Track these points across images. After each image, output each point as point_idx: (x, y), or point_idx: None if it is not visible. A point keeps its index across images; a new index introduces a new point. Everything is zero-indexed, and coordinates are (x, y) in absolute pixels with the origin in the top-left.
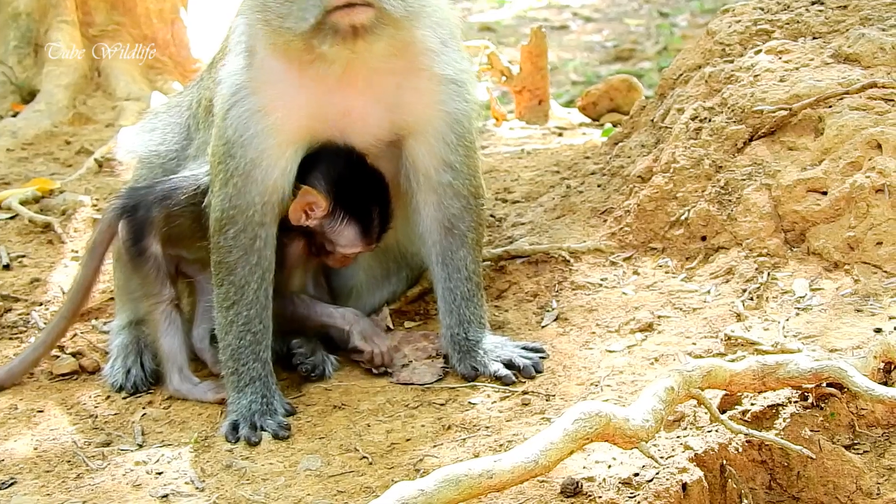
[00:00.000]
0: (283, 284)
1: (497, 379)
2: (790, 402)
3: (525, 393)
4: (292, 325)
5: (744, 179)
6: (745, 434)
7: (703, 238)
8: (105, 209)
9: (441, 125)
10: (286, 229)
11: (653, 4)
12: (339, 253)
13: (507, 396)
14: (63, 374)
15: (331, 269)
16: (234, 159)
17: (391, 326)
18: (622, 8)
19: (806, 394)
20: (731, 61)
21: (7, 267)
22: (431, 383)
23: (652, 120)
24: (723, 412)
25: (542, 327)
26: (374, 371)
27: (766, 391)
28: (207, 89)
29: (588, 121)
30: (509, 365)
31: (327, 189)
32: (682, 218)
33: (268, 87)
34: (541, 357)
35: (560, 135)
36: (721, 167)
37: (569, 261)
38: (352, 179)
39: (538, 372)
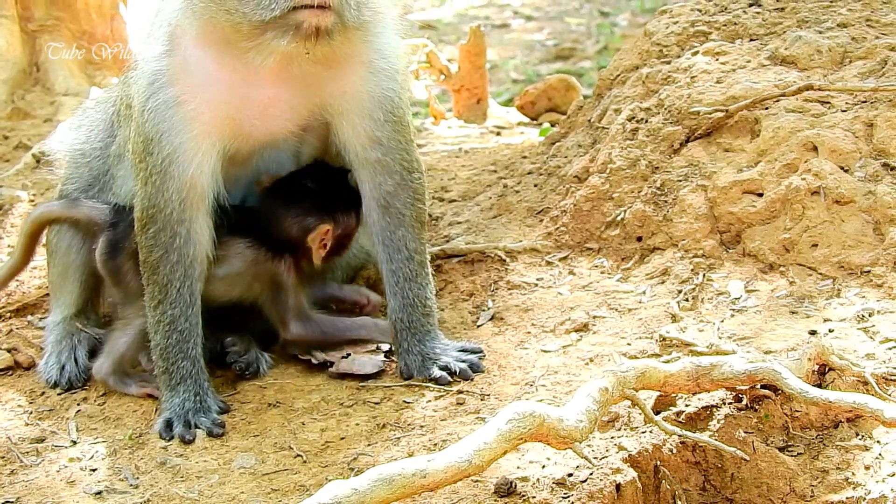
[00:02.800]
0: (297, 310)
1: (432, 379)
2: (724, 404)
3: (460, 392)
4: (324, 347)
5: (680, 180)
6: (679, 435)
7: (639, 239)
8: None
9: (367, 103)
10: (277, 255)
11: (593, 4)
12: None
13: (442, 396)
14: None
15: None
16: (151, 156)
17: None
18: (563, 7)
19: (740, 395)
20: (669, 62)
21: None
22: (371, 375)
23: (589, 120)
24: (657, 413)
25: (478, 327)
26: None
27: (700, 392)
28: (128, 84)
29: (526, 120)
30: (446, 370)
31: (331, 216)
32: (619, 218)
33: (186, 76)
34: (479, 357)
35: (498, 134)
36: (657, 168)
37: (505, 260)
38: (339, 193)
39: (477, 372)
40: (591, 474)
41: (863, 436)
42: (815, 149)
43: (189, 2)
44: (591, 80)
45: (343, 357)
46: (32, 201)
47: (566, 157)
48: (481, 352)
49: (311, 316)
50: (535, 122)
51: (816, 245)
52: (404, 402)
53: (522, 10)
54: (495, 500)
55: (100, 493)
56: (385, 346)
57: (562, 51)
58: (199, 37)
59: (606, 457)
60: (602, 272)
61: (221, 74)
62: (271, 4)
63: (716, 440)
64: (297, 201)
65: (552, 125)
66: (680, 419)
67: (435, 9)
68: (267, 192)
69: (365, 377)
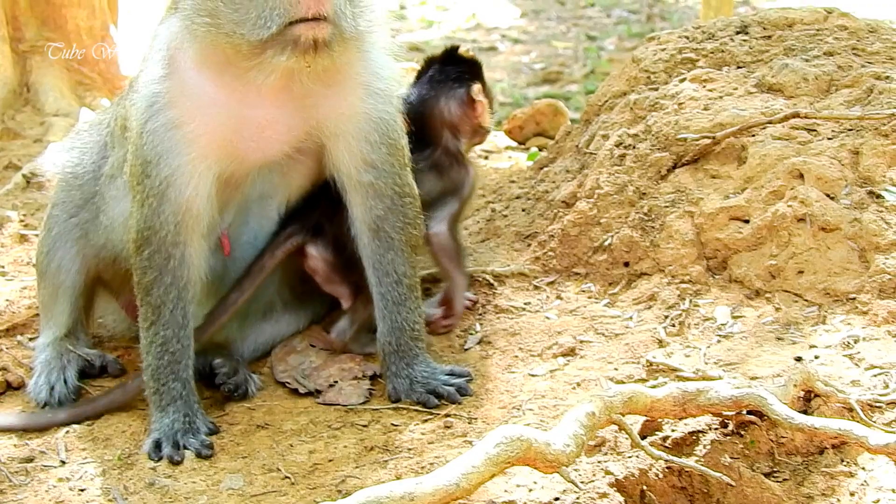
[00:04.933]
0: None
1: (420, 403)
2: (710, 429)
3: (447, 416)
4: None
5: (667, 206)
6: (666, 460)
7: (626, 264)
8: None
9: (363, 126)
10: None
11: (580, 28)
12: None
13: (430, 419)
14: None
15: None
16: (149, 178)
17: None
18: (550, 31)
19: (726, 421)
20: (656, 89)
21: None
22: (357, 405)
23: (577, 145)
24: (643, 438)
25: (466, 350)
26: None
27: (686, 418)
28: (124, 107)
29: (514, 144)
30: (434, 393)
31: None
32: (606, 244)
33: (185, 98)
34: (466, 381)
35: (486, 158)
36: (645, 194)
37: (493, 284)
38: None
39: (464, 395)
40: (577, 498)
41: (848, 462)
42: (802, 176)
43: (187, 25)
44: (579, 103)
45: (330, 386)
46: (23, 221)
47: (554, 181)
48: (469, 375)
49: (455, 233)
50: (522, 146)
51: (802, 272)
52: (392, 425)
53: (510, 34)
54: None
55: None
56: (370, 372)
57: (549, 74)
58: (198, 59)
59: (593, 481)
60: (589, 297)
61: (220, 96)
62: (267, 22)
63: (702, 465)
64: (442, 80)
65: (540, 150)
66: (666, 444)
67: (423, 30)
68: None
69: None
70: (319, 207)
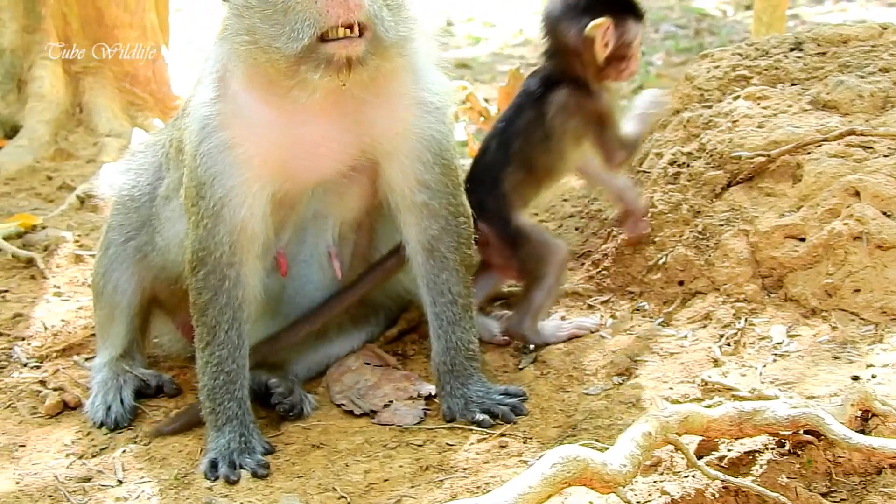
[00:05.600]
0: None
1: (475, 422)
2: (767, 449)
3: (502, 435)
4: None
5: (722, 225)
6: (722, 480)
7: (681, 283)
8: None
9: (416, 145)
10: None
11: None
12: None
13: (485, 438)
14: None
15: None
16: (204, 200)
17: None
18: None
19: (783, 441)
20: (710, 107)
21: None
22: (412, 425)
23: (630, 164)
24: (699, 458)
25: (520, 370)
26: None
27: (743, 437)
28: (178, 129)
29: None
30: (489, 413)
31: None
32: (660, 262)
33: (237, 119)
34: (521, 400)
35: None
36: (699, 212)
37: None
38: None
39: (519, 415)
40: None
41: None
42: (858, 194)
43: (232, 46)
44: None
45: (385, 406)
46: (77, 241)
47: (607, 201)
48: (524, 395)
49: (625, 139)
50: None
51: (859, 290)
52: (447, 444)
53: None
54: None
55: None
56: (424, 392)
57: None
58: (246, 80)
59: (649, 501)
60: (644, 316)
61: (270, 116)
62: (300, 34)
63: (759, 485)
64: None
65: None
66: (722, 464)
67: (470, 47)
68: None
69: None
70: (480, 187)
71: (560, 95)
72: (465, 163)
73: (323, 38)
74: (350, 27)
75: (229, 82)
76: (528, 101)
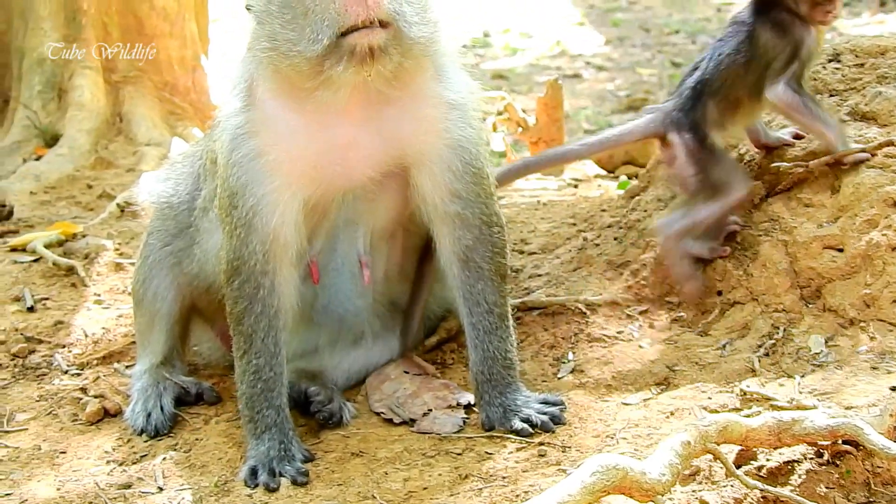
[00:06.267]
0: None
1: (513, 431)
2: (805, 459)
3: (541, 444)
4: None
5: (760, 235)
6: (761, 490)
7: (720, 293)
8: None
9: (445, 153)
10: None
11: (665, 55)
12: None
13: (524, 447)
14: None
15: (329, 312)
16: (236, 209)
17: None
18: (635, 58)
19: (821, 450)
20: None
21: (31, 309)
22: (451, 433)
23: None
24: (738, 467)
25: (559, 379)
26: None
27: (781, 447)
28: (213, 140)
29: (603, 173)
30: (527, 422)
31: None
32: (698, 272)
33: (266, 128)
34: (560, 409)
35: (576, 186)
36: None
37: (585, 313)
38: None
39: (558, 424)
40: None
41: None
42: None
43: (258, 55)
44: None
45: (424, 414)
46: (118, 250)
47: (646, 210)
48: (562, 404)
49: (800, 89)
50: (611, 174)
51: None
52: (486, 453)
53: (594, 61)
54: None
55: None
56: (463, 401)
57: (633, 101)
58: (272, 87)
59: None
60: (682, 325)
61: (298, 122)
62: (319, 35)
63: (797, 495)
64: None
65: (629, 178)
66: (761, 474)
67: (507, 58)
68: None
69: None
70: (683, 102)
71: (771, 17)
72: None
73: (343, 34)
74: (371, 25)
75: (257, 91)
76: (737, 26)
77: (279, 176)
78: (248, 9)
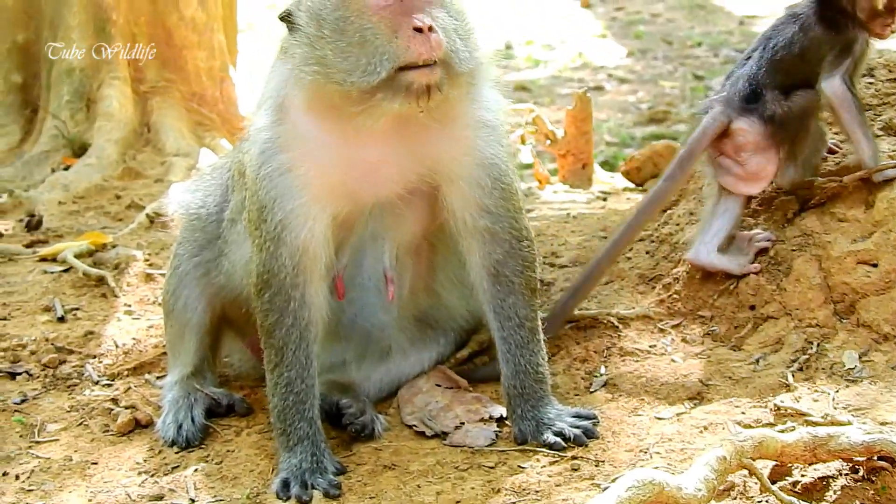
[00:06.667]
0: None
1: (546, 445)
2: (840, 475)
3: (574, 458)
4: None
5: (794, 250)
6: None
7: (752, 307)
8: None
9: (475, 170)
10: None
11: (687, 67)
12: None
13: (557, 461)
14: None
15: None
16: (265, 223)
17: None
18: (657, 70)
19: (857, 466)
20: None
21: (62, 319)
22: (483, 447)
23: (700, 188)
24: (773, 483)
25: (591, 393)
26: None
27: (816, 463)
28: (241, 152)
29: (631, 186)
30: (560, 435)
31: None
32: (731, 287)
33: (296, 142)
34: (593, 423)
35: (604, 199)
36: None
37: (617, 327)
38: None
39: (591, 438)
40: None
41: None
42: None
43: (296, 73)
44: None
45: (456, 427)
46: (147, 260)
47: (678, 224)
48: (595, 418)
49: (852, 87)
50: (640, 188)
51: None
52: (519, 466)
53: (616, 73)
54: None
55: None
56: (496, 414)
57: (655, 113)
58: (306, 105)
59: None
60: (715, 340)
61: (330, 139)
62: (377, 68)
63: None
64: None
65: None
66: (796, 489)
67: (530, 70)
68: None
69: None
70: (738, 89)
71: (828, 16)
72: (531, 186)
73: (401, 68)
74: (431, 65)
75: (289, 106)
76: (792, 17)
77: (308, 191)
78: (283, 21)
